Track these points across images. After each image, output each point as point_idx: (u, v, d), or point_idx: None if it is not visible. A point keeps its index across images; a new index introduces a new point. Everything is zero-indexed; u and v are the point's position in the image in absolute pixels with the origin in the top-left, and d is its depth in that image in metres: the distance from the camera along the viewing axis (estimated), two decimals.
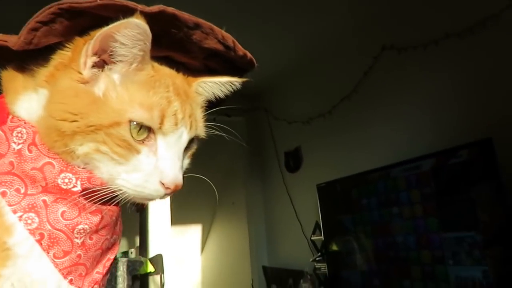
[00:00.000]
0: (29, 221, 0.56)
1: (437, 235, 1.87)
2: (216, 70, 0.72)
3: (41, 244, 0.56)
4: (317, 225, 2.81)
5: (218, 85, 0.71)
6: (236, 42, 0.66)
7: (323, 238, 2.64)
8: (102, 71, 0.59)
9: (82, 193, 0.59)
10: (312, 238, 2.86)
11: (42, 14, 0.56)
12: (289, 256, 3.27)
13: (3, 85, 0.63)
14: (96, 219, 0.60)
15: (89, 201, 0.59)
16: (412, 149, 2.17)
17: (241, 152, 3.65)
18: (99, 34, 0.56)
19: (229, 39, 0.65)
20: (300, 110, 3.21)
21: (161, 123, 0.59)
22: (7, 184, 0.56)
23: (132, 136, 0.58)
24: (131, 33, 0.54)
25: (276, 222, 3.53)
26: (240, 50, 0.67)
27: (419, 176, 1.98)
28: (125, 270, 2.70)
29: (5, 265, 0.55)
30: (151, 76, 0.61)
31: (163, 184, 0.59)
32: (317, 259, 2.76)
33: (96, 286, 0.63)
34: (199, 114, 0.67)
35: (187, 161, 0.67)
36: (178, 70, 0.67)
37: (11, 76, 0.63)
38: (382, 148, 2.48)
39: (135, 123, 0.57)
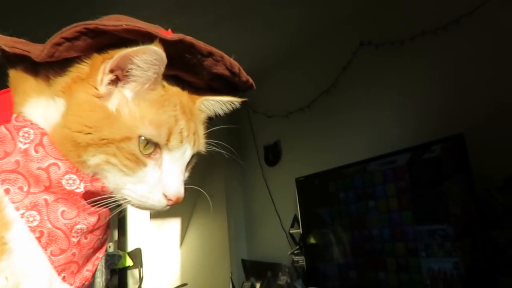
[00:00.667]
0: (30, 219, 0.57)
1: (411, 228, 1.92)
2: (218, 90, 0.76)
3: (40, 241, 0.58)
4: (295, 219, 2.84)
5: (219, 103, 0.75)
6: (242, 69, 0.71)
7: (301, 231, 2.68)
8: (116, 87, 0.62)
9: (89, 200, 0.62)
10: (291, 231, 2.89)
11: (68, 31, 0.59)
12: (267, 249, 3.30)
13: (12, 84, 0.65)
14: (93, 219, 0.63)
15: (91, 206, 0.62)
16: (388, 144, 2.21)
17: (220, 145, 3.65)
18: (118, 55, 0.59)
19: (236, 66, 0.70)
20: (279, 104, 3.22)
21: (168, 140, 0.63)
22: (11, 181, 0.58)
23: (140, 150, 0.61)
24: (148, 58, 0.58)
25: (255, 215, 3.56)
26: (244, 76, 0.72)
27: (395, 171, 2.02)
28: (103, 264, 2.69)
29: (0, 258, 0.56)
30: (161, 95, 0.64)
31: (165, 196, 0.63)
32: (295, 252, 2.79)
33: (86, 283, 0.65)
34: (201, 131, 0.72)
35: (186, 174, 0.71)
36: (183, 88, 0.71)
37: (21, 78, 0.65)
38: (359, 143, 2.52)
39: (143, 138, 0.61)
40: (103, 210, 0.64)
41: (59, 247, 0.59)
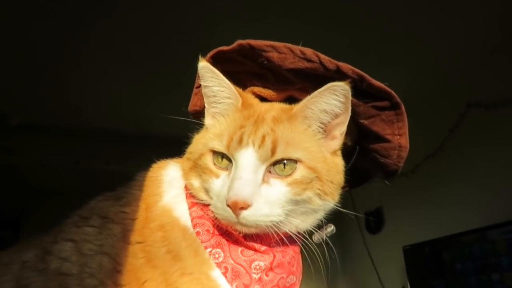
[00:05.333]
0: (216, 256, 0.65)
1: None
2: None
3: (226, 276, 0.64)
4: None
5: (316, 99, 0.65)
6: (321, 55, 0.65)
7: None
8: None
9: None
10: None
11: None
12: None
13: None
14: (268, 257, 0.66)
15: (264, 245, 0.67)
16: (509, 210, 2.03)
17: None
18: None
19: (309, 52, 0.65)
20: None
21: (228, 145, 0.65)
22: (200, 225, 0.67)
23: (215, 164, 0.67)
24: (201, 72, 0.69)
25: (358, 287, 3.37)
26: (329, 62, 0.64)
27: None
28: None
29: None
30: (234, 111, 0.70)
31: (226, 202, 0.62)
32: None
33: None
34: (295, 139, 0.65)
35: (285, 189, 0.63)
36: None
37: None
38: (473, 209, 2.34)
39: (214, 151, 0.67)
40: (281, 249, 0.67)
41: (243, 283, 0.63)
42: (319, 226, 0.72)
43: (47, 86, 2.62)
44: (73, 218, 0.72)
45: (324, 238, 0.73)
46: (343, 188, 0.72)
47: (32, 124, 2.97)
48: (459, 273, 2.14)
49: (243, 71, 0.72)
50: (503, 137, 2.24)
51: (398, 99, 0.68)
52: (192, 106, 0.75)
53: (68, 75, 2.50)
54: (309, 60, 0.65)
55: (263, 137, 0.63)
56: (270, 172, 0.64)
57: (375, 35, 2.17)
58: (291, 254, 0.70)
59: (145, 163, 0.79)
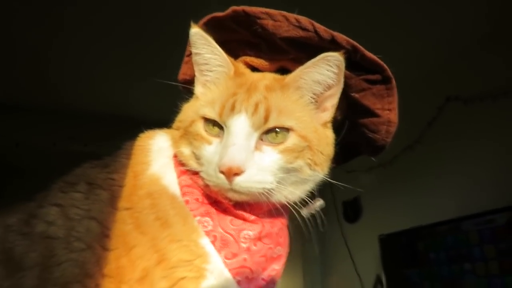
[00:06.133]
0: (205, 224, 0.64)
1: None
2: None
3: (214, 245, 0.63)
4: (378, 279, 2.70)
5: (310, 70, 0.65)
6: (316, 24, 0.64)
7: None
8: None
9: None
10: None
11: None
12: None
13: None
14: (257, 226, 0.66)
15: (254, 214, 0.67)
16: (482, 202, 2.08)
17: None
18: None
19: (304, 20, 0.64)
20: (359, 159, 3.17)
21: (220, 112, 0.64)
22: (189, 194, 0.67)
23: (206, 131, 0.66)
24: (192, 39, 0.67)
25: (334, 274, 3.42)
26: (324, 31, 0.63)
27: (494, 230, 1.89)
28: None
29: (208, 261, 0.63)
30: (226, 79, 0.69)
31: (219, 168, 0.62)
32: None
33: None
34: (288, 108, 0.65)
35: (277, 156, 0.63)
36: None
37: None
38: (448, 200, 2.39)
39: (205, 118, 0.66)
40: (269, 220, 0.68)
41: (231, 251, 0.64)
42: (310, 199, 0.73)
43: (25, 65, 2.55)
44: (58, 184, 0.70)
45: (313, 212, 0.74)
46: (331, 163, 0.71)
47: (9, 103, 2.90)
48: (432, 262, 2.20)
49: (236, 39, 0.71)
50: (480, 131, 2.29)
51: (390, 73, 0.69)
52: (182, 74, 0.73)
53: (47, 55, 2.43)
54: (304, 29, 0.64)
55: (256, 105, 0.63)
56: (262, 139, 0.64)
57: (359, 26, 2.17)
58: (279, 225, 0.70)
59: None
